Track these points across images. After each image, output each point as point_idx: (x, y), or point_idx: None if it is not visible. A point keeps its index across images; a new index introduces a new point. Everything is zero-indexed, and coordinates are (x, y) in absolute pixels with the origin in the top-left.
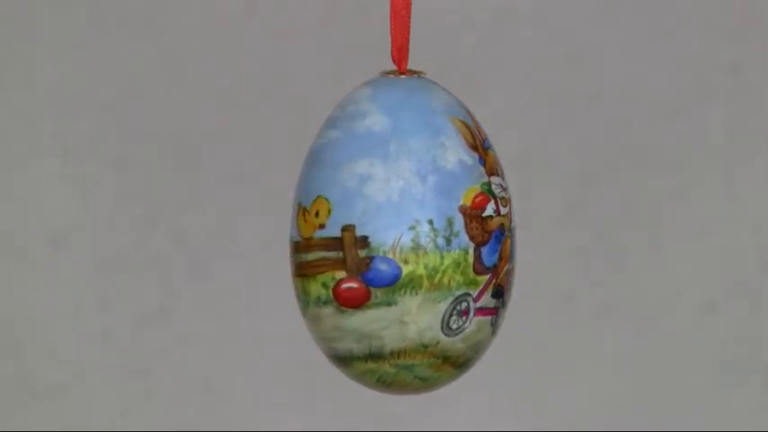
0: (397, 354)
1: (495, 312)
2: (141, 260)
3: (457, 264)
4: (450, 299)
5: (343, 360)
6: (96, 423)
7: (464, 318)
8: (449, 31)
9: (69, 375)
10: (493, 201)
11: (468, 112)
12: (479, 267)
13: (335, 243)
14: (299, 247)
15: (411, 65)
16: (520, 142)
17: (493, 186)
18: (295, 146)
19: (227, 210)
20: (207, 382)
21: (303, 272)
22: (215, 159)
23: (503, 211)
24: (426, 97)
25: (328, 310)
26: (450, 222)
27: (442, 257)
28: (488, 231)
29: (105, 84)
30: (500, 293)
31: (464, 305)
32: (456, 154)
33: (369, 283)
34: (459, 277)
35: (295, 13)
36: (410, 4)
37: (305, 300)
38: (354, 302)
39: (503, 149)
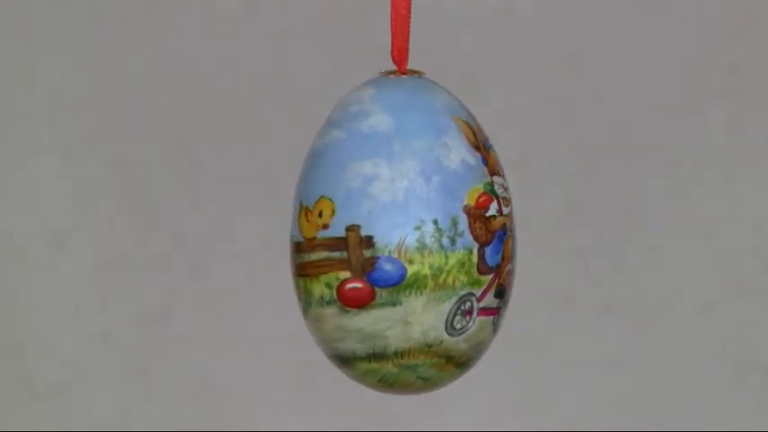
0: (400, 354)
1: (496, 312)
2: (141, 260)
3: (461, 264)
4: (455, 299)
5: (344, 360)
6: (96, 423)
7: (468, 318)
8: (449, 31)
9: (69, 375)
10: (495, 201)
11: (469, 113)
12: (483, 267)
13: (340, 243)
14: (302, 247)
15: (411, 65)
16: (520, 142)
17: (495, 186)
18: (295, 146)
19: (227, 210)
20: (207, 382)
21: (305, 272)
22: (215, 159)
23: (505, 210)
24: (429, 97)
25: (331, 311)
26: (454, 222)
27: (446, 257)
28: (492, 231)
29: (105, 84)
30: (502, 293)
31: (468, 305)
32: (459, 154)
33: (374, 283)
34: (463, 277)
35: (295, 13)
36: (410, 4)
37: (307, 300)
38: (359, 302)
39: (503, 149)
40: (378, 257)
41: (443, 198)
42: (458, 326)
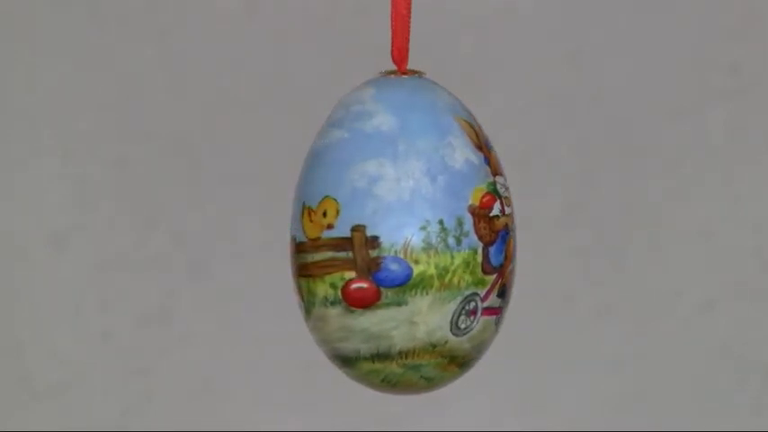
0: (405, 354)
1: (499, 312)
2: (141, 260)
3: (466, 263)
4: (460, 299)
5: (347, 360)
6: (96, 423)
7: (472, 317)
8: (449, 31)
9: (69, 375)
10: (498, 201)
11: (470, 113)
12: (487, 267)
13: (345, 243)
14: (305, 247)
15: (411, 65)
16: (520, 142)
17: (498, 186)
18: (295, 146)
19: (227, 210)
20: (207, 382)
21: (309, 272)
22: (215, 159)
23: (507, 210)
24: (430, 97)
25: (336, 311)
26: (459, 222)
27: (452, 257)
28: (495, 231)
29: (105, 84)
30: (504, 293)
31: (472, 305)
32: (463, 154)
33: (380, 283)
34: (468, 277)
35: (295, 13)
36: (410, 4)
37: (310, 300)
38: (364, 302)
39: (503, 149)
40: (384, 257)
41: (448, 198)
42: (462, 326)
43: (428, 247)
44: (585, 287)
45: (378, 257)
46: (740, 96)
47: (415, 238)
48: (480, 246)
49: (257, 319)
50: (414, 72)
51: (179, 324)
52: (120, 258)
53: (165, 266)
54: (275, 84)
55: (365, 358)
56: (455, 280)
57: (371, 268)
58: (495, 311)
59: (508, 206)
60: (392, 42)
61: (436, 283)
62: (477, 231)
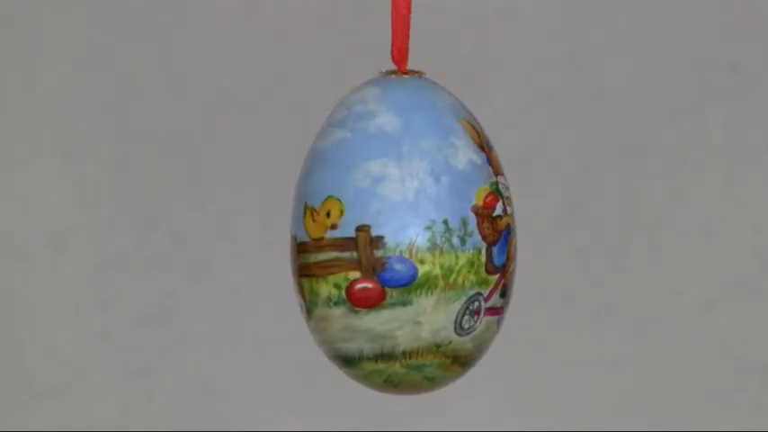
0: (409, 354)
1: (500, 312)
2: (141, 260)
3: (471, 263)
4: (464, 298)
5: (349, 360)
6: (96, 423)
7: (476, 317)
8: (449, 31)
9: (69, 375)
10: (501, 200)
11: (470, 113)
12: (491, 267)
13: (349, 243)
14: (307, 247)
15: (411, 65)
16: (520, 142)
17: (500, 186)
18: (295, 146)
19: (227, 210)
20: (207, 382)
21: (311, 272)
22: (215, 159)
23: (508, 210)
24: (432, 97)
25: (339, 311)
26: (464, 222)
27: (457, 257)
28: (498, 231)
29: (105, 84)
30: (505, 293)
31: (476, 305)
32: (466, 154)
33: (384, 283)
34: (472, 277)
35: (295, 13)
36: (410, 4)
37: (312, 300)
38: (369, 303)
39: (503, 149)
40: (389, 257)
41: (453, 198)
42: (466, 326)
43: (433, 247)
44: (585, 287)
45: (383, 257)
46: (740, 96)
47: (420, 239)
48: (484, 246)
49: (257, 319)
50: (414, 72)
51: (179, 324)
52: (120, 258)
53: (165, 266)
54: (275, 84)
55: (368, 358)
56: (459, 280)
57: (376, 268)
58: (497, 311)
59: (509, 206)
60: (392, 42)
61: (441, 283)
62: (480, 231)
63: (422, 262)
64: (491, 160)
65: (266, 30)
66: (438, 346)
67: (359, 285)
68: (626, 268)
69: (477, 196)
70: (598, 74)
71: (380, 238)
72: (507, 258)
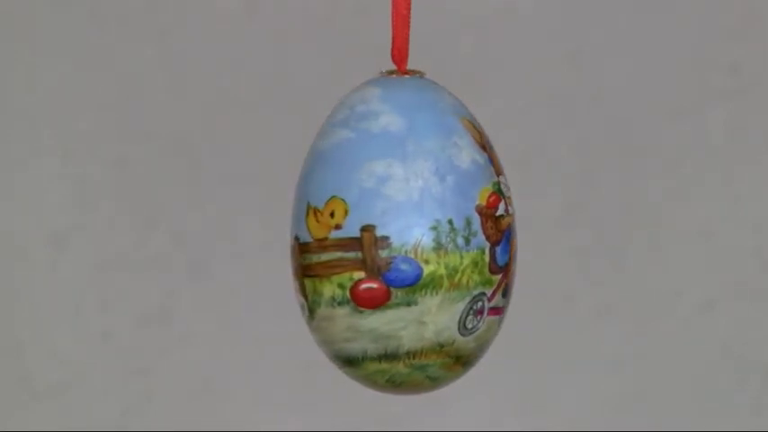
0: (413, 354)
1: (501, 312)
2: (141, 260)
3: (475, 263)
4: (468, 298)
5: (352, 361)
6: (96, 423)
7: (479, 317)
8: (449, 31)
9: (69, 375)
10: (503, 200)
11: (470, 113)
12: (494, 267)
13: (354, 243)
14: (310, 247)
15: (411, 65)
16: (520, 142)
17: (501, 186)
18: (295, 146)
19: (227, 210)
20: (207, 382)
21: (315, 272)
22: (215, 159)
23: (510, 210)
24: (434, 97)
25: (343, 311)
26: (468, 222)
27: (461, 257)
28: (501, 231)
29: (105, 84)
30: (507, 293)
31: (480, 305)
32: (470, 154)
33: (390, 283)
34: (476, 277)
35: (295, 13)
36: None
37: (315, 300)
38: (374, 303)
39: (503, 149)
40: (394, 257)
41: (457, 198)
42: (469, 325)
43: (438, 246)
44: (585, 287)
45: (388, 257)
46: (740, 96)
47: (426, 238)
48: (487, 246)
49: (257, 319)
50: (414, 72)
51: (179, 324)
52: (120, 258)
53: (165, 266)
54: (275, 84)
55: (372, 358)
56: (464, 280)
57: (381, 268)
58: (499, 311)
59: (510, 206)
60: (392, 42)
61: (446, 283)
62: (484, 231)
63: (427, 262)
64: (492, 160)
65: (266, 30)
66: (442, 346)
67: (364, 285)
68: (626, 268)
69: (481, 196)
70: (598, 74)
71: (386, 238)
72: (510, 258)
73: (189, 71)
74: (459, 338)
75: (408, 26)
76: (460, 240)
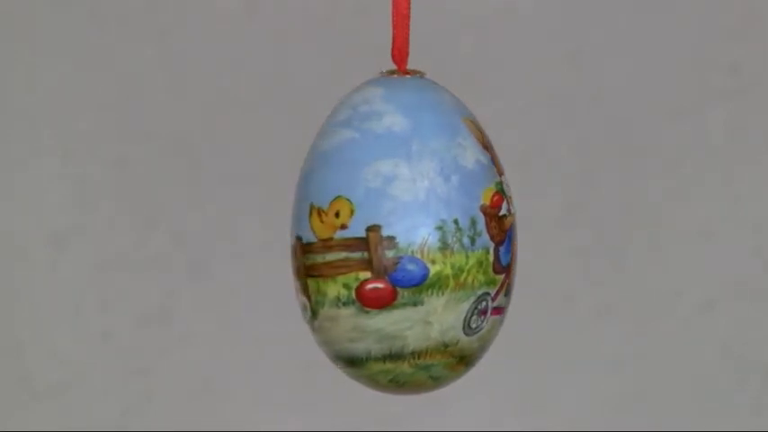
0: (417, 354)
1: (503, 311)
2: (141, 260)
3: (480, 263)
4: (473, 298)
5: (355, 361)
6: (96, 423)
7: (482, 317)
8: (449, 31)
9: (69, 375)
10: (505, 200)
11: (471, 113)
12: (498, 267)
13: (360, 243)
14: (314, 247)
15: (411, 65)
16: (520, 142)
17: (503, 186)
18: (295, 146)
19: (227, 210)
20: (207, 382)
21: (319, 273)
22: (215, 159)
23: (512, 210)
24: (436, 97)
25: (348, 311)
26: (473, 222)
27: (467, 257)
28: (504, 231)
29: (105, 84)
30: (508, 292)
31: (483, 304)
32: (473, 154)
33: (396, 283)
34: (481, 277)
35: (295, 13)
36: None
37: (318, 300)
38: (380, 303)
39: (503, 149)
40: (401, 257)
41: (462, 198)
42: (473, 325)
43: (444, 246)
44: (585, 287)
45: (395, 257)
46: (740, 96)
47: (432, 238)
48: (492, 245)
49: (257, 319)
50: (414, 72)
51: (179, 324)
52: (120, 258)
53: (165, 266)
54: (275, 84)
55: (376, 359)
56: (469, 280)
57: (388, 268)
58: (501, 311)
59: (511, 205)
60: (392, 42)
61: (452, 283)
62: (488, 231)
63: (433, 262)
64: (494, 160)
65: (266, 30)
66: (446, 345)
67: (370, 285)
68: (626, 268)
69: (485, 196)
70: (598, 74)
71: (392, 238)
72: (512, 258)
73: (189, 71)
74: (464, 338)
75: (408, 26)
76: (466, 240)
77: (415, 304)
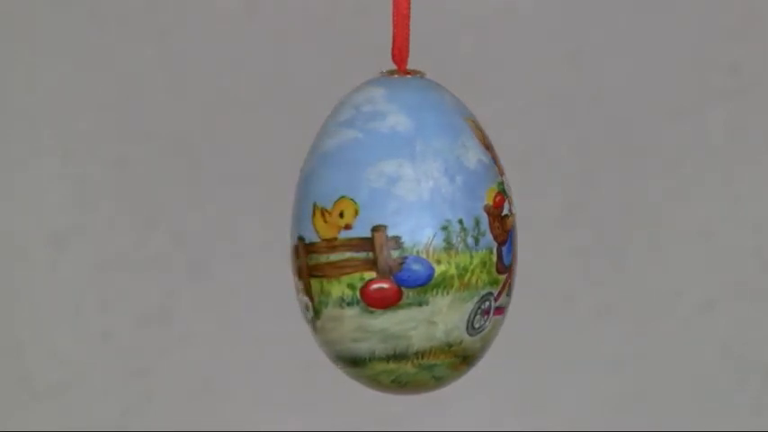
0: (421, 354)
1: (503, 311)
2: (141, 260)
3: (483, 263)
4: (476, 298)
5: (358, 361)
6: (96, 423)
7: (486, 317)
8: (449, 31)
9: (69, 375)
10: (507, 200)
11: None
12: (500, 266)
13: (365, 243)
14: (317, 247)
15: (411, 65)
16: (520, 142)
17: (505, 186)
18: (295, 146)
19: (227, 210)
20: (207, 382)
21: (323, 273)
22: (215, 159)
23: (513, 210)
24: (438, 97)
25: (352, 311)
26: (477, 222)
27: (471, 257)
28: (506, 231)
29: (105, 84)
30: (510, 292)
31: (487, 304)
32: (476, 154)
33: (401, 283)
34: (485, 277)
35: (295, 13)
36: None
37: (322, 300)
38: (385, 303)
39: (503, 149)
40: (406, 257)
41: (466, 198)
42: (477, 325)
43: (449, 246)
44: (585, 287)
45: (400, 257)
46: (740, 96)
47: (437, 238)
48: (495, 245)
49: (257, 319)
50: (414, 72)
51: (179, 324)
52: (120, 258)
53: (165, 266)
54: (275, 84)
55: (380, 359)
56: (473, 279)
57: (393, 268)
58: (502, 311)
59: (511, 206)
60: (393, 42)
61: (456, 283)
62: (492, 231)
63: (438, 262)
64: (495, 160)
65: (266, 30)
66: (450, 345)
67: (375, 286)
68: (626, 268)
69: (488, 196)
70: (598, 74)
71: (397, 238)
72: (513, 258)
73: (189, 71)
74: (467, 338)
75: (408, 26)
76: (470, 240)
77: (420, 304)
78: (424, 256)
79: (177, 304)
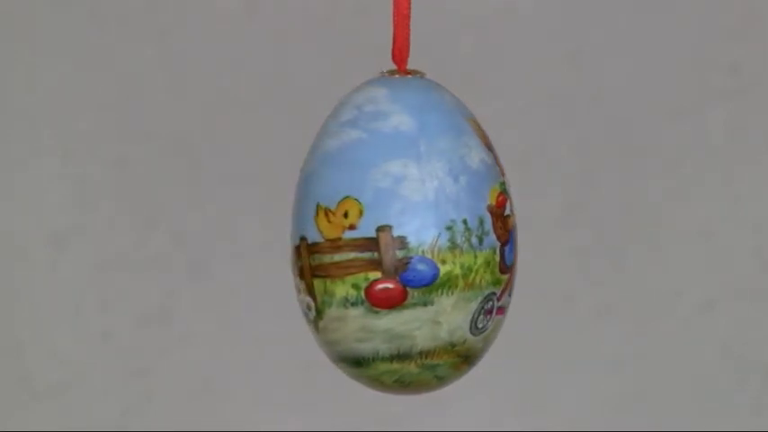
0: (425, 354)
1: (504, 311)
2: (141, 260)
3: (487, 263)
4: (480, 298)
5: (361, 361)
6: (96, 423)
7: (488, 317)
8: (449, 31)
9: (69, 375)
10: (508, 200)
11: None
12: (503, 266)
13: (369, 243)
14: (321, 248)
15: (411, 65)
16: (520, 142)
17: (506, 186)
18: (295, 146)
19: (227, 210)
20: (207, 382)
21: (326, 273)
22: (215, 159)
23: (513, 210)
24: (439, 98)
25: (357, 311)
26: (481, 222)
27: (475, 257)
28: (508, 230)
29: (105, 84)
30: (511, 292)
31: (490, 304)
32: (478, 154)
33: (407, 283)
34: (488, 276)
35: (295, 13)
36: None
37: (325, 301)
38: (390, 303)
39: (503, 149)
40: (411, 257)
41: (470, 198)
42: (480, 325)
43: (454, 246)
44: (585, 287)
45: (405, 257)
46: (740, 96)
47: (442, 238)
48: (498, 245)
49: (257, 319)
50: (415, 72)
51: (179, 324)
52: (120, 258)
53: (165, 266)
54: (275, 84)
55: (383, 359)
56: (477, 279)
57: (398, 268)
58: (503, 310)
59: (512, 206)
60: (393, 42)
61: (461, 282)
62: (495, 231)
63: (443, 262)
64: (496, 160)
65: (266, 30)
66: (453, 345)
67: (380, 286)
68: (626, 268)
69: (491, 196)
70: (598, 74)
71: (403, 238)
72: (515, 258)
73: (189, 71)
74: (470, 338)
75: (409, 26)
76: (474, 240)
77: (425, 304)
78: (429, 256)
79: (177, 304)
